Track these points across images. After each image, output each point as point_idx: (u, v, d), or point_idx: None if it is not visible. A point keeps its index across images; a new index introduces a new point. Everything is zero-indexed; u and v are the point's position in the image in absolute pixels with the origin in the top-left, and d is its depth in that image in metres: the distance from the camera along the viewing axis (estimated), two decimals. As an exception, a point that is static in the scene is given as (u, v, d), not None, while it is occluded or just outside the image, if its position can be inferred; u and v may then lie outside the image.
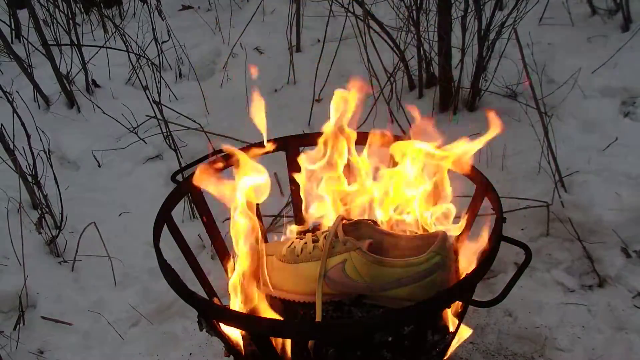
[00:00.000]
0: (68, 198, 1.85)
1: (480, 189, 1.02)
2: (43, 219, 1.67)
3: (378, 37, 2.11)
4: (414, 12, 2.09)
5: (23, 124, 1.69)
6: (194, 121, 2.18)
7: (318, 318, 0.86)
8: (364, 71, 2.04)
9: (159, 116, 1.86)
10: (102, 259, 1.64)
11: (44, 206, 1.74)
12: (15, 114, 1.67)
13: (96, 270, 1.64)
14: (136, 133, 2.13)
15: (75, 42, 2.34)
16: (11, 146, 1.70)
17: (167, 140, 2.07)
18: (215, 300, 1.02)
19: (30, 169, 1.73)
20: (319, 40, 2.57)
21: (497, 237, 0.85)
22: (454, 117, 2.05)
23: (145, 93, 1.86)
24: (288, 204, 1.73)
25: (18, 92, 2.05)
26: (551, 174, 1.64)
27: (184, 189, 1.03)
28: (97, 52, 2.44)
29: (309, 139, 1.16)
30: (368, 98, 2.14)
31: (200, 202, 1.07)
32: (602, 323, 1.40)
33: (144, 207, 1.87)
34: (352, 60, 2.28)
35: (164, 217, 0.97)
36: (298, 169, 1.09)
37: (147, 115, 2.14)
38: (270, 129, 2.06)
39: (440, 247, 0.85)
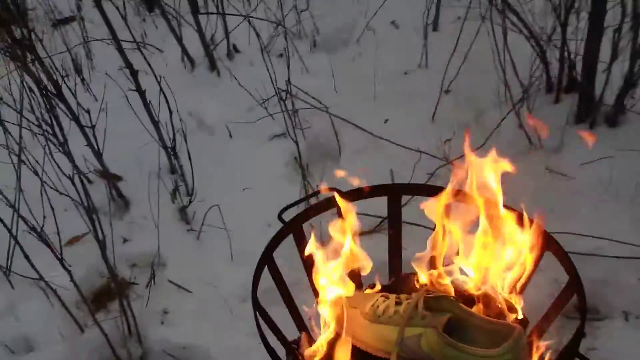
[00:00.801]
0: (200, 167, 2.05)
1: (571, 283, 1.01)
2: (177, 190, 1.87)
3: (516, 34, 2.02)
4: (564, 11, 1.97)
5: (164, 95, 1.85)
6: (320, 102, 2.25)
7: (392, 378, 0.94)
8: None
9: (286, 93, 1.94)
10: (224, 233, 1.82)
11: (179, 175, 1.94)
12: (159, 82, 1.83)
13: (217, 243, 1.83)
14: (266, 108, 2.25)
15: (221, 12, 2.49)
16: (156, 118, 1.89)
17: (293, 119, 2.18)
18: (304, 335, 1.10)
19: (170, 141, 1.92)
20: (459, 18, 2.48)
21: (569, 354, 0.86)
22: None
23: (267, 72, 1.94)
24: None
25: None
26: (680, 224, 1.54)
27: (289, 229, 1.12)
28: (240, 23, 2.57)
29: (417, 190, 1.18)
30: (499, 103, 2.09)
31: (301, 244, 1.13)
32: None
33: (265, 186, 2.02)
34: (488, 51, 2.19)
35: (266, 259, 1.07)
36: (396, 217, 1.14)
37: (278, 89, 2.24)
38: (391, 118, 2.08)
39: (513, 346, 0.88)
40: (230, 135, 2.31)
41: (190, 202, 1.89)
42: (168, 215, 1.90)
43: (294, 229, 1.13)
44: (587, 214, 1.73)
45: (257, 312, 0.98)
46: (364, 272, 1.11)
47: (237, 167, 2.15)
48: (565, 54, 2.04)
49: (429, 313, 0.95)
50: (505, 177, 1.06)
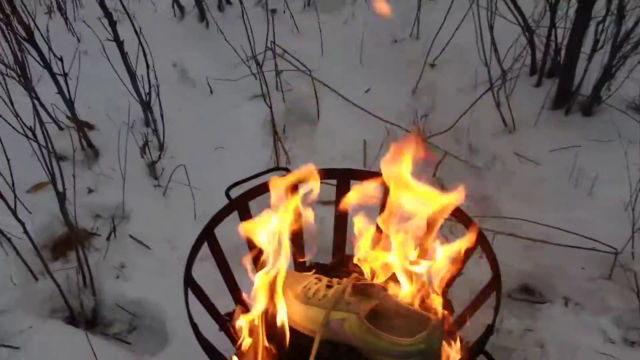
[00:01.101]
0: (176, 122, 2.05)
1: (494, 281, 1.04)
2: (147, 145, 1.88)
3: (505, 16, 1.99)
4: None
5: (142, 48, 1.84)
6: (304, 65, 2.24)
7: (312, 357, 0.98)
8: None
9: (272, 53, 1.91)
10: (191, 191, 1.84)
11: (152, 130, 1.95)
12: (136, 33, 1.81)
13: (183, 201, 1.85)
14: (249, 67, 2.24)
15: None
16: (133, 69, 1.88)
17: (277, 80, 2.17)
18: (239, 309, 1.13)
19: (145, 94, 1.92)
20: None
21: (476, 351, 0.90)
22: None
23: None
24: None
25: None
26: (631, 220, 1.56)
27: (235, 206, 1.14)
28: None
29: (365, 176, 1.19)
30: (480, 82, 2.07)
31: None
32: (627, 386, 1.41)
33: (238, 147, 2.03)
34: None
35: (205, 236, 1.10)
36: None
37: (266, 47, 2.21)
38: (374, 87, 2.05)
39: (428, 337, 0.92)
40: (211, 92, 2.30)
41: (159, 157, 1.91)
42: (137, 169, 1.91)
43: (239, 206, 1.15)
44: (546, 201, 1.75)
45: (187, 288, 1.01)
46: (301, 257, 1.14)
47: (213, 125, 2.16)
48: (553, 38, 2.01)
49: (354, 299, 0.99)
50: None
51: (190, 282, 1.02)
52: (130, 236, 1.75)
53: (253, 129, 2.10)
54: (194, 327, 0.95)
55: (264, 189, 1.14)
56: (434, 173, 1.84)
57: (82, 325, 1.61)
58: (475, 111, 1.97)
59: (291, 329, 1.05)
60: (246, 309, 1.12)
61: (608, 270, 1.59)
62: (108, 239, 1.75)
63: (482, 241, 1.07)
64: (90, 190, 1.88)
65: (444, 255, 1.04)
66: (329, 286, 1.04)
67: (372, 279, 1.09)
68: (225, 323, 1.08)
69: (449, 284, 1.12)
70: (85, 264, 1.61)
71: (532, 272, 1.66)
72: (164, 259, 1.70)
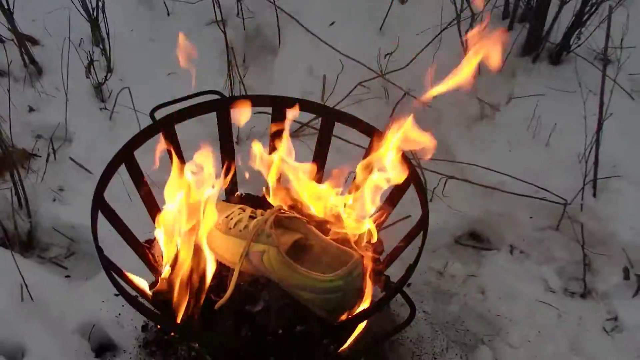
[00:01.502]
0: (128, 43, 1.93)
1: (422, 221, 0.99)
2: (92, 65, 1.77)
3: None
4: None
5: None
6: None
7: (229, 291, 0.94)
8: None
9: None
10: (137, 115, 1.75)
11: (100, 49, 1.84)
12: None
13: (129, 126, 1.75)
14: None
15: None
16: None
17: (238, 5, 2.05)
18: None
19: (92, 10, 1.80)
20: None
21: (392, 290, 0.86)
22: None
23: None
24: (315, 118, 1.72)
25: None
26: (583, 172, 1.52)
27: (160, 128, 1.06)
28: None
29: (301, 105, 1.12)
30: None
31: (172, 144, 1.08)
32: (561, 335, 1.40)
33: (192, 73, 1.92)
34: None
35: (123, 156, 1.02)
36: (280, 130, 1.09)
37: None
38: (339, 20, 1.94)
39: (347, 274, 0.88)
40: (169, 13, 2.17)
41: (106, 79, 1.80)
42: (82, 89, 1.81)
43: (164, 128, 1.08)
44: (502, 149, 1.70)
45: (97, 210, 0.95)
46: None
47: (167, 48, 2.03)
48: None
49: (275, 232, 0.94)
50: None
51: (100, 204, 0.96)
52: (71, 159, 1.67)
53: (210, 55, 2.00)
54: (99, 250, 0.89)
55: (192, 112, 1.07)
56: (391, 114, 1.77)
57: (16, 248, 1.54)
58: (441, 51, 1.88)
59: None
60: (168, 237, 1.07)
61: (556, 221, 1.56)
62: (47, 160, 1.66)
63: (413, 178, 1.01)
64: (31, 109, 1.78)
65: (369, 187, 0.99)
66: (252, 217, 0.98)
67: (297, 212, 1.03)
68: (144, 250, 1.03)
69: (381, 222, 1.07)
70: (20, 185, 1.53)
71: (481, 218, 1.63)
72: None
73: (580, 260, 1.50)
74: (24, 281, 1.35)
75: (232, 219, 0.98)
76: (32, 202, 1.56)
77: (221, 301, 0.95)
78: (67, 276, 1.51)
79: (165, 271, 0.98)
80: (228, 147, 1.16)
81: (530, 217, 1.58)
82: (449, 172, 1.62)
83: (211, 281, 1.00)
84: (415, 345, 1.34)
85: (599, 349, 1.36)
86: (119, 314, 1.36)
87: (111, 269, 0.89)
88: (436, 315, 1.42)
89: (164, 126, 1.07)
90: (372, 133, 1.07)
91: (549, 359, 1.35)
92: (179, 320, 0.93)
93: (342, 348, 0.95)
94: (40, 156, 1.71)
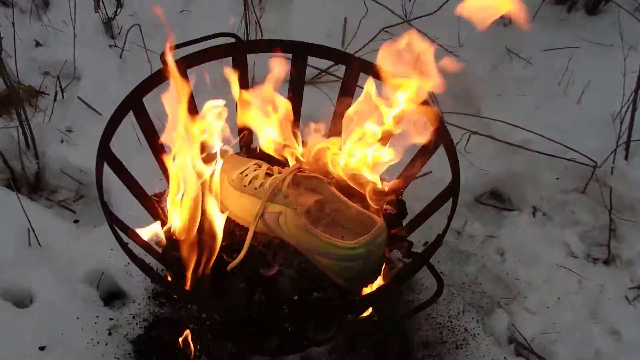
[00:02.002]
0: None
1: (452, 187, 0.89)
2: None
3: None
4: None
5: None
6: None
7: (243, 252, 0.87)
8: None
9: None
10: (149, 54, 1.65)
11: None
12: None
13: (140, 65, 1.66)
14: None
15: None
16: None
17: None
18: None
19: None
20: None
21: (417, 261, 0.78)
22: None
23: None
24: (334, 64, 1.61)
25: None
26: (617, 133, 1.42)
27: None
28: None
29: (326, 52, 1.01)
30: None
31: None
32: (580, 302, 1.34)
33: (207, 12, 1.81)
34: None
35: (131, 103, 0.93)
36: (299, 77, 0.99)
37: None
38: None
39: (369, 241, 0.80)
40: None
41: (115, 14, 1.69)
42: (91, 25, 1.70)
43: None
44: (531, 105, 1.59)
45: (102, 162, 0.87)
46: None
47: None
48: None
49: (294, 192, 0.86)
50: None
51: (105, 155, 0.88)
52: (79, 98, 1.58)
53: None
54: (104, 206, 0.82)
55: (206, 56, 0.97)
56: (415, 62, 1.65)
57: (23, 190, 1.48)
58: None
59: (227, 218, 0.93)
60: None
61: (583, 184, 1.47)
62: (55, 99, 1.58)
63: (443, 138, 0.92)
64: (37, 44, 1.68)
65: (391, 147, 0.90)
66: (268, 174, 0.90)
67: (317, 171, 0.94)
68: (153, 204, 0.95)
69: (404, 184, 0.99)
70: (27, 124, 1.45)
71: (504, 177, 1.54)
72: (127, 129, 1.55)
73: (605, 226, 1.42)
74: (31, 225, 1.29)
75: (247, 175, 0.90)
76: (39, 143, 1.48)
77: (234, 262, 0.88)
78: (76, 221, 1.45)
79: (175, 227, 0.91)
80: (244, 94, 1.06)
81: (556, 179, 1.48)
82: (473, 127, 1.51)
83: (224, 241, 0.94)
84: (431, 307, 1.28)
85: (619, 318, 1.30)
86: (128, 263, 1.30)
87: (116, 225, 0.82)
88: (452, 277, 1.36)
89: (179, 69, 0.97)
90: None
91: (567, 326, 1.29)
92: (188, 283, 0.86)
93: (359, 317, 0.89)
94: (47, 94, 1.62)
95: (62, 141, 1.51)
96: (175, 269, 0.90)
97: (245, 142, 1.07)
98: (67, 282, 1.25)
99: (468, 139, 1.49)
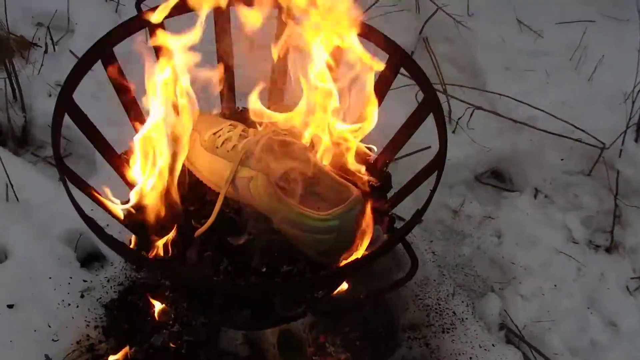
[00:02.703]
0: None
1: (437, 159, 0.78)
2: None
3: None
4: None
5: None
6: None
7: (211, 218, 0.78)
8: None
9: None
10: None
11: None
12: None
13: (135, 21, 1.56)
14: None
15: None
16: None
17: None
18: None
19: None
20: None
21: (391, 240, 0.69)
22: None
23: None
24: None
25: None
26: (628, 113, 1.30)
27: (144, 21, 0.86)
28: None
29: None
30: None
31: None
32: (578, 290, 1.24)
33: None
34: None
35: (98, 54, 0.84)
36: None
37: None
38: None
39: (342, 213, 0.71)
40: None
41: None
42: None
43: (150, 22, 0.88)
44: (539, 80, 1.48)
45: (62, 112, 0.78)
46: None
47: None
48: None
49: (267, 156, 0.76)
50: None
51: (66, 105, 0.79)
52: (71, 52, 1.49)
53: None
54: (58, 159, 0.73)
55: (185, 5, 0.87)
56: (420, 30, 1.54)
57: (10, 143, 1.41)
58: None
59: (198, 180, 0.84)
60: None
61: (589, 166, 1.36)
62: (46, 51, 1.49)
63: (431, 104, 0.82)
64: (30, -8, 1.58)
65: (373, 113, 0.80)
66: (243, 136, 0.81)
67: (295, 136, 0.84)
68: (121, 162, 0.87)
69: (390, 154, 0.89)
70: (14, 76, 1.37)
71: (506, 156, 1.43)
72: (105, 81, 1.45)
73: (610, 211, 1.32)
74: (9, 180, 1.22)
75: (220, 136, 0.81)
76: (26, 95, 1.40)
77: (201, 229, 0.80)
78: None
79: (140, 189, 0.83)
80: (226, 46, 0.96)
81: (561, 160, 1.38)
82: (477, 102, 1.40)
83: (193, 205, 0.85)
84: (420, 287, 1.20)
85: (618, 309, 1.21)
86: (107, 225, 1.23)
87: (72, 181, 0.74)
88: (445, 257, 1.27)
89: (152, 20, 0.87)
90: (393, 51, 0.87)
91: (562, 314, 1.19)
92: (154, 250, 0.78)
93: (330, 294, 0.80)
94: (40, 46, 1.53)
95: (49, 95, 1.42)
96: (140, 233, 0.82)
97: (226, 100, 0.97)
98: (43, 240, 1.18)
99: (471, 114, 1.39)
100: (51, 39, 1.48)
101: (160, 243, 0.78)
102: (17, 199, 1.23)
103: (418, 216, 0.68)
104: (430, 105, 0.80)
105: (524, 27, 1.54)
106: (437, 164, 0.74)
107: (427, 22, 1.53)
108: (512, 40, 1.54)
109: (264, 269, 0.78)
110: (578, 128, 1.34)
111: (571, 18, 1.53)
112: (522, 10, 1.56)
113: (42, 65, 1.46)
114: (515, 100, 1.38)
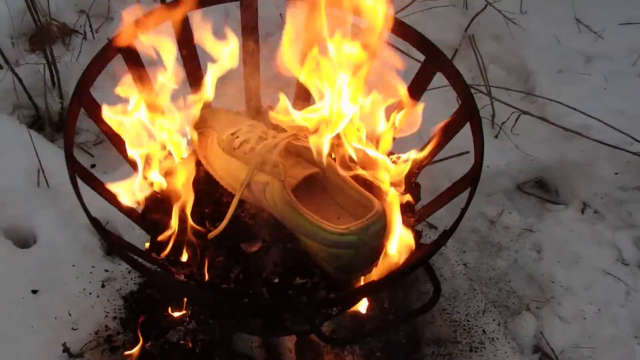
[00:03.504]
0: None
1: (473, 173, 0.71)
2: None
3: None
4: None
5: None
6: None
7: (225, 221, 0.74)
8: None
9: None
10: None
11: None
12: None
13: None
14: None
15: None
16: None
17: None
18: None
19: None
20: None
21: (413, 263, 0.62)
22: None
23: None
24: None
25: None
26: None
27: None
28: None
29: None
30: None
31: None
32: (625, 316, 1.14)
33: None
34: None
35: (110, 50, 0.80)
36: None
37: None
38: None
39: (362, 228, 0.65)
40: None
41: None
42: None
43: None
44: (596, 85, 1.36)
45: (78, 108, 0.75)
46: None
47: None
48: None
49: (285, 162, 0.71)
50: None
51: (82, 99, 0.76)
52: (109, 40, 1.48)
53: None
54: (69, 156, 0.71)
55: None
56: (466, 27, 1.45)
57: (47, 128, 1.42)
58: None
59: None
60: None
61: (646, 181, 1.25)
62: (85, 38, 1.48)
63: (469, 114, 0.74)
64: (76, -20, 1.58)
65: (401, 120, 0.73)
66: (261, 138, 0.76)
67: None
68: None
69: (420, 164, 0.82)
70: (53, 63, 1.37)
71: (553, 166, 1.33)
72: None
73: (666, 232, 1.21)
74: (41, 165, 1.22)
75: (237, 137, 0.76)
76: (64, 82, 1.40)
77: (214, 231, 0.76)
78: (93, 165, 1.37)
79: (155, 186, 0.80)
80: (252, 42, 0.91)
81: (615, 174, 1.26)
82: (524, 107, 1.31)
83: (208, 207, 0.81)
84: (448, 301, 1.12)
85: (668, 340, 1.10)
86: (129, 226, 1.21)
87: (80, 175, 0.71)
88: (478, 270, 1.19)
89: (175, 12, 0.83)
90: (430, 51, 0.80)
91: (605, 341, 1.10)
92: (167, 250, 0.75)
93: (343, 312, 0.75)
94: (81, 33, 1.53)
95: (86, 82, 1.42)
96: (154, 233, 0.79)
97: (249, 98, 0.93)
98: (69, 228, 1.17)
99: (517, 119, 1.30)
100: (90, 26, 1.47)
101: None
102: (48, 185, 1.22)
103: (444, 238, 0.62)
104: (467, 113, 0.72)
105: (582, 27, 1.43)
106: (472, 179, 0.67)
107: (475, 19, 1.43)
108: (567, 40, 1.43)
109: (276, 280, 0.73)
110: (636, 140, 1.22)
111: (637, 19, 1.40)
112: (582, 9, 1.44)
113: (80, 52, 1.45)
114: (568, 106, 1.27)
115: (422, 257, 0.64)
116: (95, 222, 0.67)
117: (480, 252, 1.21)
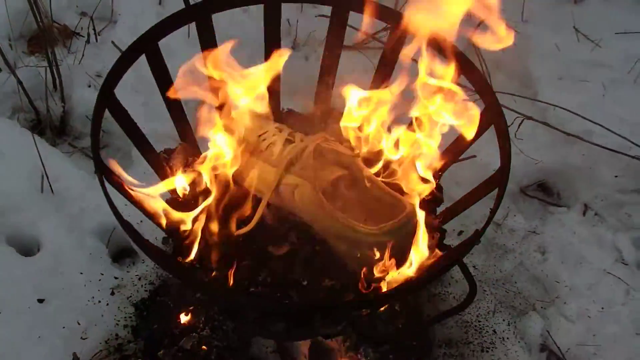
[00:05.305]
0: None
1: (500, 175, 0.73)
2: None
3: None
4: None
5: None
6: None
7: (253, 223, 0.74)
8: None
9: None
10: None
11: None
12: None
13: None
14: None
15: None
16: None
17: None
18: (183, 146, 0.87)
19: None
20: None
21: (448, 261, 0.63)
22: None
23: None
24: (386, 29, 1.45)
25: None
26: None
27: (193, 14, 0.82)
28: None
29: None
30: None
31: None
32: (627, 315, 1.16)
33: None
34: None
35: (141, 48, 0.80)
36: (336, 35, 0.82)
37: None
38: None
39: (394, 229, 0.65)
40: None
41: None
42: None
43: (198, 16, 0.84)
44: (595, 92, 1.39)
45: (102, 109, 0.74)
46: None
47: None
48: None
49: (314, 164, 0.71)
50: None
51: (107, 101, 0.75)
52: (113, 43, 1.46)
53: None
54: (96, 155, 0.70)
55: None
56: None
57: (48, 132, 1.39)
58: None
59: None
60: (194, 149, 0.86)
61: (646, 184, 1.28)
62: (88, 41, 1.46)
63: (496, 119, 0.76)
64: (77, -17, 1.56)
65: (437, 126, 0.74)
66: (289, 141, 0.76)
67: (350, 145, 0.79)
68: (160, 161, 0.83)
69: (444, 167, 0.83)
70: (55, 66, 1.35)
71: (556, 169, 1.35)
72: (147, 75, 1.43)
73: (666, 234, 1.24)
74: (45, 171, 1.19)
75: (265, 139, 0.76)
76: (66, 86, 1.38)
77: (240, 231, 0.75)
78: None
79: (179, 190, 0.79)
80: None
81: (615, 177, 1.29)
82: (527, 112, 1.33)
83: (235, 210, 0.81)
84: (459, 302, 1.13)
85: (670, 338, 1.12)
86: (141, 221, 1.19)
87: (108, 180, 0.70)
88: (485, 272, 1.20)
89: (200, 13, 0.83)
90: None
91: (608, 339, 1.12)
92: (191, 255, 0.74)
93: (372, 313, 0.75)
94: (83, 36, 1.51)
95: (89, 86, 1.40)
96: (178, 237, 0.78)
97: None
98: (75, 234, 1.15)
99: (520, 124, 1.31)
100: (94, 29, 1.46)
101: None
102: (52, 191, 1.20)
103: (478, 236, 0.63)
104: (492, 116, 0.73)
105: (581, 36, 1.46)
106: (500, 180, 0.68)
107: (479, 26, 1.45)
108: (567, 49, 1.46)
109: (305, 282, 0.73)
110: (635, 144, 1.26)
111: (633, 28, 1.44)
112: (581, 18, 1.48)
113: (83, 55, 1.43)
114: (569, 111, 1.30)
115: (455, 255, 0.65)
116: (127, 226, 0.66)
117: (487, 254, 1.23)
